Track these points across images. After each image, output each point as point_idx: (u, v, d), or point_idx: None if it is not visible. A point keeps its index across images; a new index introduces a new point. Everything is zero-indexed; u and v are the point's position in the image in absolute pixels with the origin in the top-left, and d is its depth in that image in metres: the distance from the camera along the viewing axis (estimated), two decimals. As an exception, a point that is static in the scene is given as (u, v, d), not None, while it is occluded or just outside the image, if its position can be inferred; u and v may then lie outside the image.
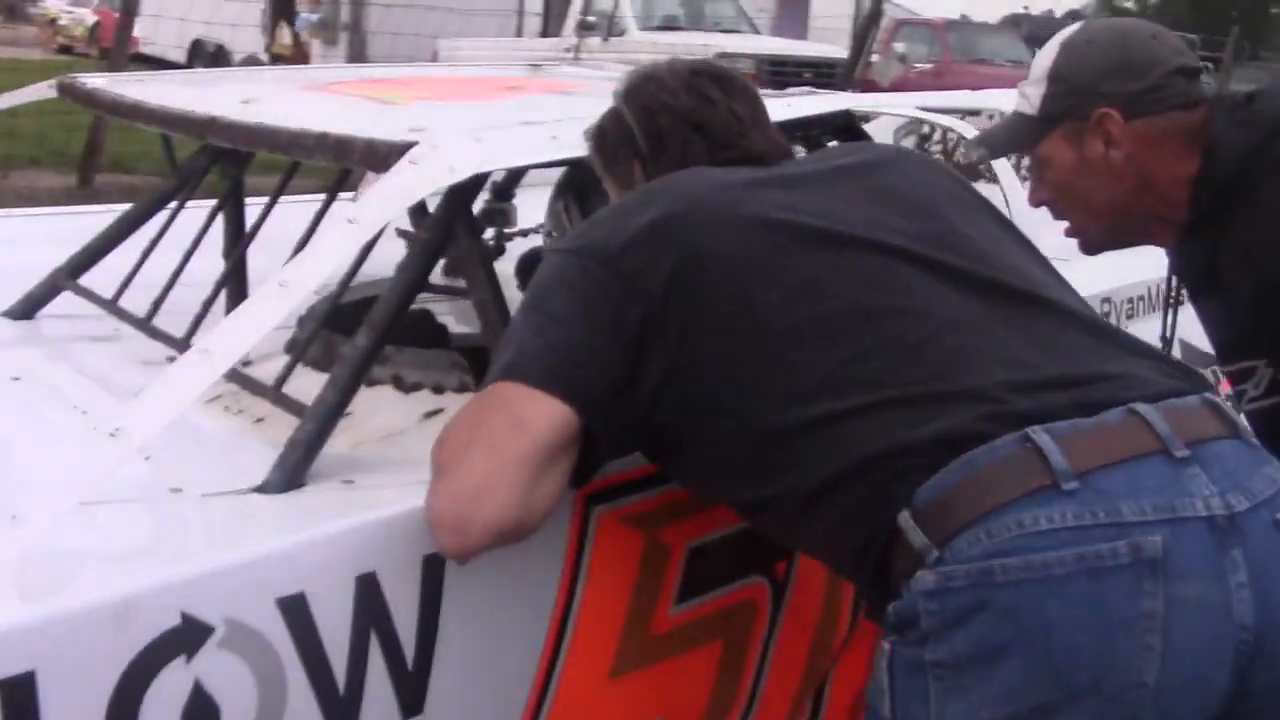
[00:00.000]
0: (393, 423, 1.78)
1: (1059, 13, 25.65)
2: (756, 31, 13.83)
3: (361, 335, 1.64)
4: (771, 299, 1.30)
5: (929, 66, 13.73)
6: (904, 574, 1.18)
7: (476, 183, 1.74)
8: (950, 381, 1.23)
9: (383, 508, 1.44)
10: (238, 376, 1.87)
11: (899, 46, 13.42)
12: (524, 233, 2.77)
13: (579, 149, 1.74)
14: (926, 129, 3.64)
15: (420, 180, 1.59)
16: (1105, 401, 1.20)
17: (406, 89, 2.21)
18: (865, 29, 10.33)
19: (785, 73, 11.55)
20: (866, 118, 2.33)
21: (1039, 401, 1.20)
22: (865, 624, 1.85)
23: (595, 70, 3.00)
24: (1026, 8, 24.82)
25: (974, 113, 2.28)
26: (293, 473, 1.54)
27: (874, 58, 11.51)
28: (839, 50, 12.29)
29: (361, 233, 1.52)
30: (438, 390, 1.84)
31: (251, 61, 12.52)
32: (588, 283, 1.34)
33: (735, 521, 1.62)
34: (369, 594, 1.32)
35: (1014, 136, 1.75)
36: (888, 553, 1.20)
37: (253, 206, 2.23)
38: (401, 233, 2.55)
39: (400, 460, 1.67)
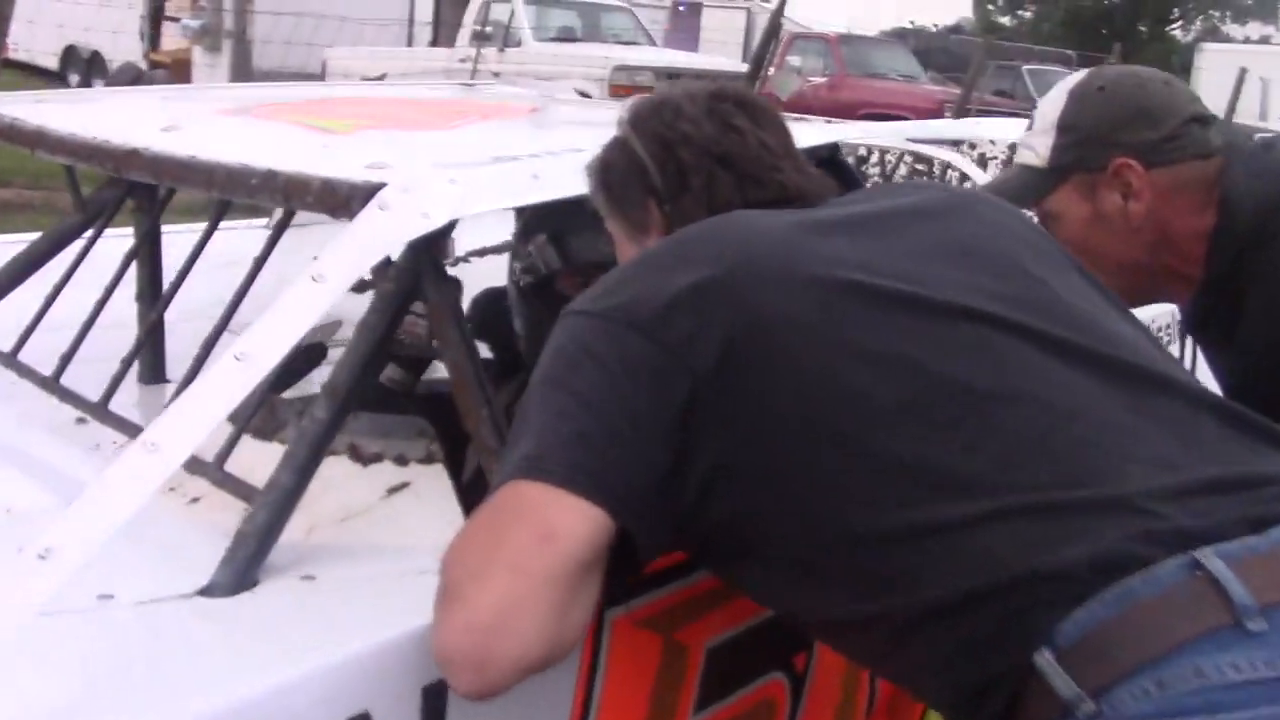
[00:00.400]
0: (351, 501, 1.56)
1: (934, 28, 26.14)
2: (653, 43, 13.72)
3: (320, 405, 1.41)
4: (854, 378, 1.10)
5: (824, 80, 13.77)
6: None
7: (447, 229, 1.52)
8: (1086, 486, 1.04)
9: (356, 617, 1.23)
10: (165, 447, 1.63)
11: (794, 60, 13.41)
12: (455, 261, 2.56)
13: (564, 188, 1.54)
14: (864, 151, 3.51)
15: (392, 229, 1.37)
16: (1274, 514, 1.01)
17: (343, 114, 1.98)
18: (766, 42, 10.25)
19: (685, 86, 11.43)
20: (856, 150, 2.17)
21: (1195, 513, 1.02)
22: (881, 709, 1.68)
23: (529, 90, 2.80)
24: (913, 22, 25.23)
25: (958, 142, 2.14)
26: (243, 571, 1.32)
27: (769, 71, 11.48)
28: (735, 63, 12.23)
29: (328, 293, 1.30)
30: (401, 462, 1.61)
31: (128, 69, 11.98)
32: (620, 354, 1.12)
33: (754, 614, 1.44)
34: (362, 740, 1.10)
35: (1021, 190, 1.61)
36: (1016, 697, 1.01)
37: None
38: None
39: (365, 548, 1.46)
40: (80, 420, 1.82)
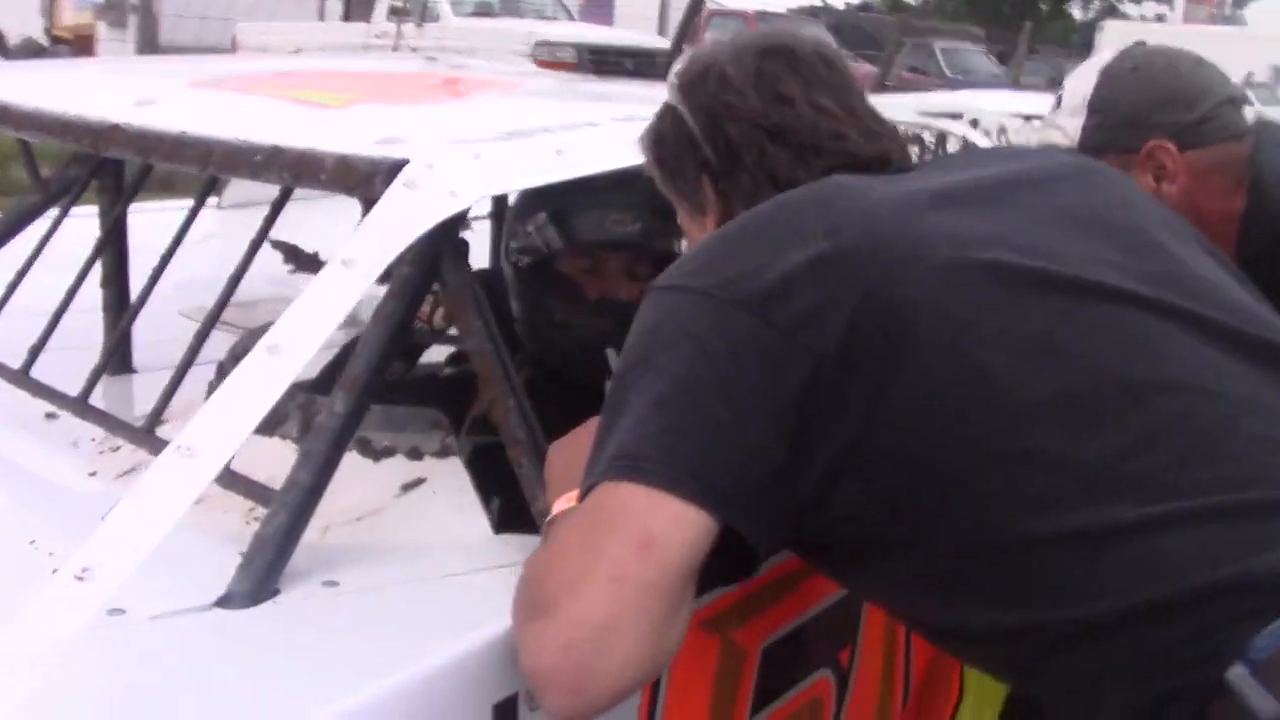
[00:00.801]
0: (365, 499, 1.46)
1: (845, 5, 26.27)
2: (571, 17, 13.57)
3: (338, 399, 1.31)
4: (997, 368, 0.99)
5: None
6: None
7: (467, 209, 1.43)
8: (1265, 484, 0.96)
9: (399, 629, 1.14)
10: (156, 443, 1.51)
11: (712, 36, 13.37)
12: None
13: (589, 165, 1.46)
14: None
15: (421, 209, 1.27)
16: None
17: (328, 87, 1.86)
18: (689, 18, 10.17)
19: (607, 62, 11.33)
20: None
21: None
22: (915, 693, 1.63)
23: (502, 64, 2.70)
24: (825, 1, 25.34)
25: (955, 116, 2.09)
26: (263, 579, 1.21)
27: (689, 47, 11.43)
28: (655, 39, 12.14)
29: (360, 278, 1.20)
30: (414, 456, 1.52)
31: (28, 45, 11.54)
32: (726, 335, 1.00)
33: (804, 611, 1.37)
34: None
35: None
36: (1203, 714, 0.93)
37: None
38: (277, 245, 2.20)
39: (384, 550, 1.36)
40: (50, 416, 1.70)
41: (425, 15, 11.63)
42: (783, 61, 1.25)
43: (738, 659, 1.28)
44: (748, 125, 1.22)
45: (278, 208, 1.60)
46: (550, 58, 11.09)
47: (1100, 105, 1.55)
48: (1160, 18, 30.35)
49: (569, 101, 1.88)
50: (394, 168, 1.29)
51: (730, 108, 1.23)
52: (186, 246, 1.72)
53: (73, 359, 1.77)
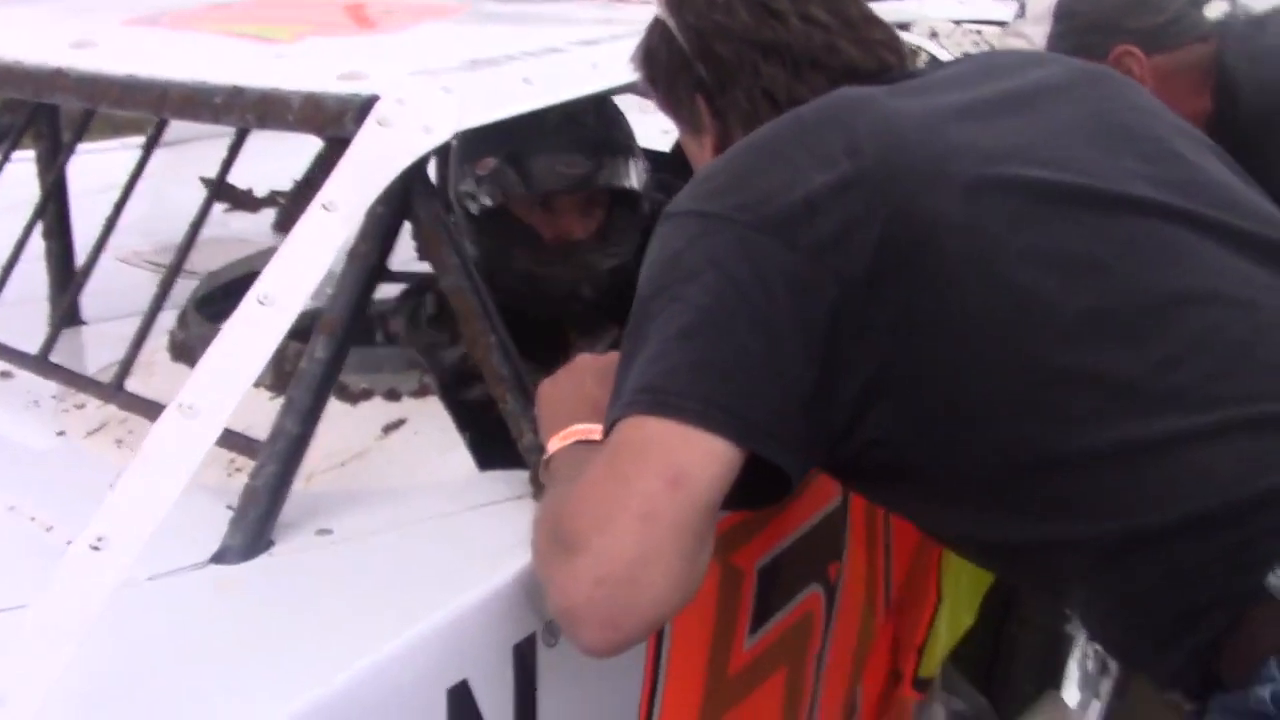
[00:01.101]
0: (346, 443, 1.44)
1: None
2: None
3: (319, 344, 1.29)
4: (1029, 283, 0.99)
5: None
6: (1271, 649, 0.91)
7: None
8: None
9: (404, 574, 1.14)
10: (126, 398, 1.48)
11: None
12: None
13: (558, 93, 1.43)
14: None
15: (396, 148, 1.25)
16: None
17: (272, 19, 1.80)
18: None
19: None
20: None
21: None
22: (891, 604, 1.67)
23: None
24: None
25: (903, 27, 2.07)
26: (257, 531, 1.21)
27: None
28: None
29: (342, 221, 1.18)
30: (392, 397, 1.51)
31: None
32: (751, 261, 0.98)
33: (795, 528, 1.40)
34: (464, 712, 1.01)
35: None
36: (1240, 622, 0.93)
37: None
38: (208, 182, 2.15)
39: (372, 493, 1.35)
40: (3, 375, 1.65)
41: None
42: None
43: (736, 580, 1.30)
44: (739, 44, 1.19)
45: (234, 149, 1.56)
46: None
47: (1065, 12, 1.55)
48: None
49: (525, 26, 1.83)
50: (365, 105, 1.26)
51: (720, 26, 1.20)
52: (110, 189, 1.67)
53: (13, 314, 1.72)
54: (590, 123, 1.73)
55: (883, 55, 1.20)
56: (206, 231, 1.88)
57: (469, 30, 1.79)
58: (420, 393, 1.51)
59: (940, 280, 0.99)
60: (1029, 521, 1.01)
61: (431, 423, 1.47)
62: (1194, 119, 1.51)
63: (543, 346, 1.88)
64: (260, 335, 1.06)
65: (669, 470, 0.93)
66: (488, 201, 1.76)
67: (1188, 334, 0.99)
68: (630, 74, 1.50)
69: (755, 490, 1.01)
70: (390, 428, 1.47)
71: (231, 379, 1.03)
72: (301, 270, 1.12)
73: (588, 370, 1.21)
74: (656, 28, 1.26)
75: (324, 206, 1.16)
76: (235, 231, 2.45)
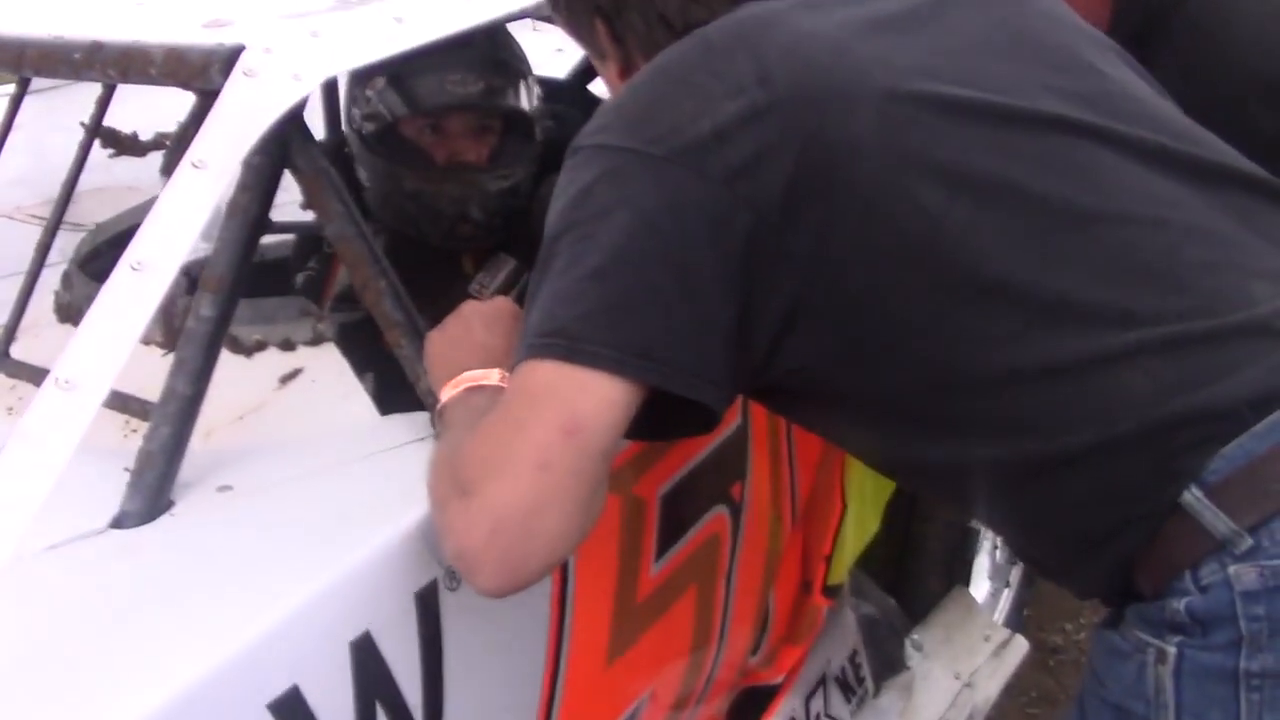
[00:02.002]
0: (244, 397, 1.44)
1: None
2: None
3: (204, 301, 1.27)
4: (944, 204, 0.97)
5: None
6: (1186, 563, 0.95)
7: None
8: (1219, 313, 0.97)
9: (303, 526, 1.14)
10: (12, 365, 1.46)
11: None
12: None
13: (430, 32, 1.41)
14: None
15: (265, 97, 1.22)
16: None
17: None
18: None
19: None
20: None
21: None
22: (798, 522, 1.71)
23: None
24: None
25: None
26: (155, 494, 1.20)
27: None
28: None
29: (214, 178, 1.15)
30: (287, 347, 1.50)
31: None
32: (662, 194, 0.96)
33: (697, 452, 1.42)
34: (368, 662, 1.03)
35: None
36: (1154, 537, 0.96)
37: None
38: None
39: (272, 446, 1.35)
40: None
41: None
42: None
43: (638, 510, 1.32)
44: None
45: (107, 95, 1.52)
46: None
47: None
48: None
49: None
50: (231, 56, 1.23)
51: None
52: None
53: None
54: (480, 42, 1.71)
55: None
56: (92, 180, 1.83)
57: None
58: (315, 341, 1.50)
59: (855, 206, 0.98)
60: (951, 442, 1.02)
61: (329, 371, 1.47)
62: (1101, 3, 1.51)
63: (440, 279, 1.89)
64: (136, 302, 1.05)
65: (566, 420, 0.93)
66: (376, 122, 1.74)
67: (1101, 254, 0.99)
68: (511, 5, 1.48)
69: (679, 423, 1.02)
70: (287, 378, 1.47)
71: (109, 349, 1.02)
72: (175, 232, 1.10)
73: (475, 316, 1.20)
74: None
75: (194, 164, 1.14)
76: (122, 179, 2.39)
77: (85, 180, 1.91)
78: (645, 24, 1.14)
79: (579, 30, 1.22)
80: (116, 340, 1.03)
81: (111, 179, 2.34)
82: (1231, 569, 0.94)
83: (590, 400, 0.94)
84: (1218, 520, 0.94)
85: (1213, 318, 0.97)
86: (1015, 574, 2.51)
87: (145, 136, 2.48)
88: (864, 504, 1.77)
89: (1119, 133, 1.04)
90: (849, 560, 1.80)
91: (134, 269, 1.07)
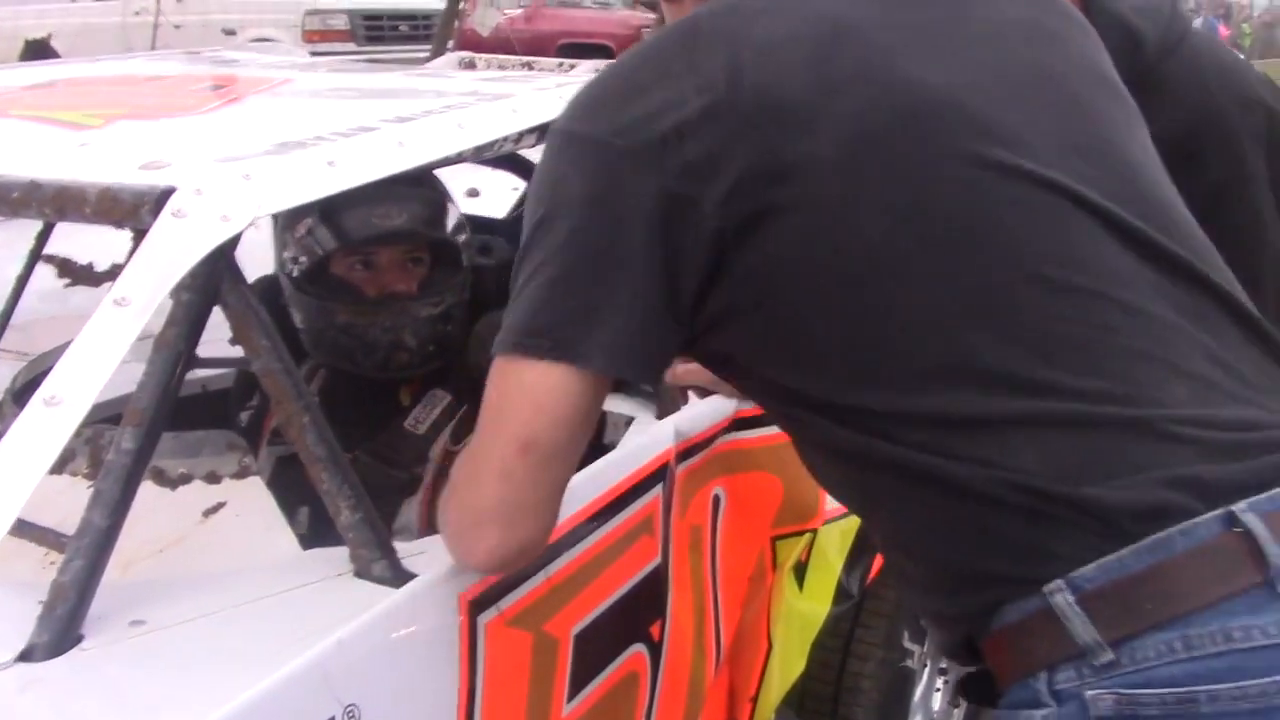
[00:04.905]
0: (165, 530, 1.45)
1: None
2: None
3: (126, 434, 1.29)
4: (885, 236, 0.97)
5: (519, 12, 13.60)
6: (1043, 662, 0.93)
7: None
8: (1131, 405, 0.95)
9: (214, 661, 1.14)
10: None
11: (487, -7, 13.18)
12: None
13: (364, 174, 1.45)
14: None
15: (192, 239, 1.26)
16: None
17: (84, 104, 1.80)
18: (461, -25, 10.03)
19: (382, 28, 11.07)
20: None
21: (1239, 459, 0.94)
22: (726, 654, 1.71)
23: (269, 55, 2.64)
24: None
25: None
26: (65, 627, 1.20)
27: (468, 5, 11.25)
28: (428, 1, 11.85)
29: (135, 316, 1.18)
30: (212, 480, 1.51)
31: None
32: (621, 190, 1.00)
33: (614, 590, 1.43)
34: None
35: None
36: (1020, 621, 0.95)
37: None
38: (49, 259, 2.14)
39: (190, 580, 1.35)
40: None
41: (186, -12, 11.11)
42: None
43: (550, 649, 1.32)
44: None
45: (43, 237, 1.55)
46: (322, 27, 10.77)
47: None
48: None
49: (340, 101, 1.86)
50: (161, 197, 1.27)
51: None
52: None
53: None
54: (406, 177, 1.77)
55: None
56: (45, 309, 1.86)
57: (288, 106, 1.81)
58: (240, 474, 1.51)
59: (798, 221, 0.99)
60: (856, 436, 1.02)
61: (252, 505, 1.48)
62: None
63: (377, 413, 1.91)
64: (46, 438, 1.06)
65: (521, 435, 1.04)
66: (306, 260, 1.79)
67: (1029, 317, 0.98)
68: (441, 151, 1.53)
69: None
70: (210, 511, 1.48)
71: (15, 483, 1.03)
72: (91, 370, 1.12)
73: None
74: None
75: (115, 302, 1.17)
76: (75, 308, 2.42)
77: (39, 309, 1.95)
78: None
79: None
80: (24, 475, 1.04)
81: (66, 308, 2.37)
82: (1089, 694, 0.92)
83: (544, 402, 1.03)
84: (1084, 629, 0.93)
85: (1125, 407, 0.96)
86: (957, 716, 2.49)
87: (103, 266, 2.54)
88: (790, 643, 1.78)
89: (1093, 201, 1.02)
90: (775, 701, 1.79)
91: (47, 404, 1.09)
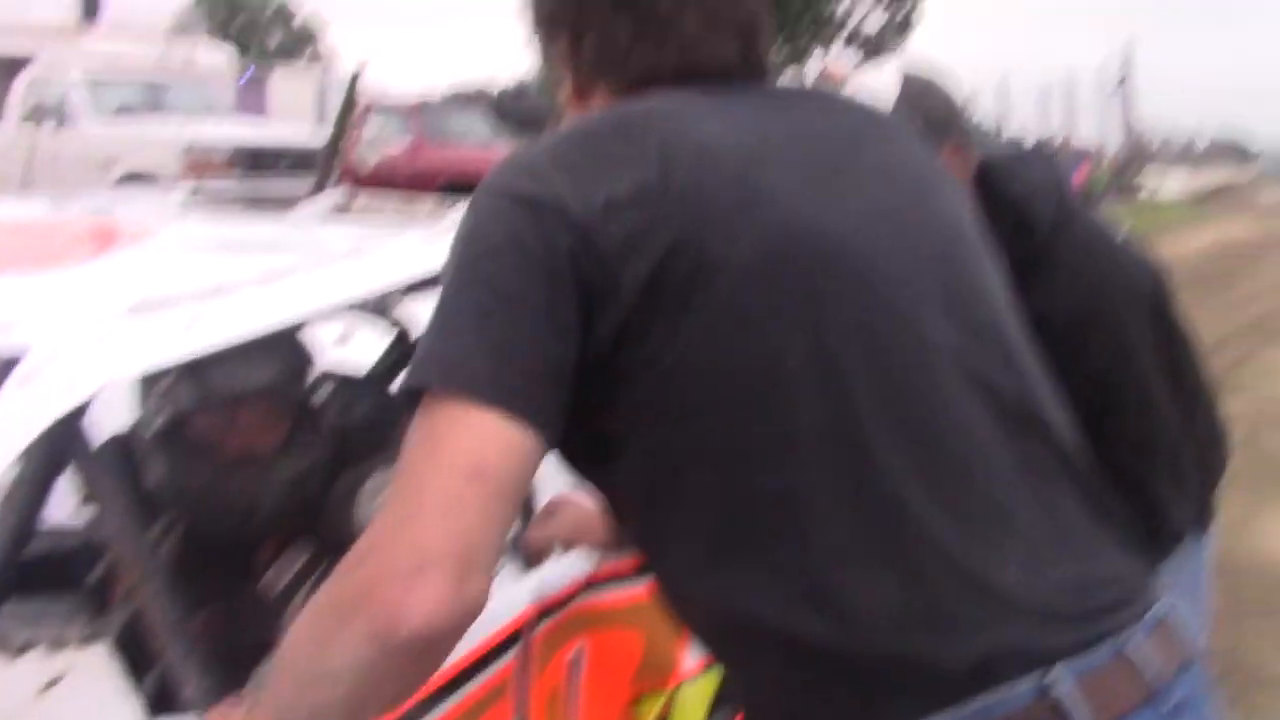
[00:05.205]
0: (1, 705, 1.39)
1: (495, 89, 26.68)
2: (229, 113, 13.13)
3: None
4: (786, 349, 0.99)
5: (403, 149, 13.66)
6: None
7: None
8: (970, 560, 0.97)
9: None
10: None
11: (372, 130, 13.27)
12: None
13: (220, 337, 1.45)
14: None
15: (35, 408, 1.24)
16: (1109, 628, 0.99)
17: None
18: (344, 115, 10.09)
19: (263, 164, 11.08)
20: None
21: (1058, 622, 0.98)
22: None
23: (146, 197, 2.63)
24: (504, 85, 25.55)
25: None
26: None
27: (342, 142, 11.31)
28: (311, 136, 11.93)
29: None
30: (57, 646, 1.46)
31: None
32: (548, 252, 0.98)
33: None
34: None
35: None
36: None
37: None
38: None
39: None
40: None
41: (62, 119, 11.04)
42: None
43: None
44: None
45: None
46: (203, 160, 10.75)
47: (913, 106, 1.69)
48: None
49: (208, 255, 1.86)
50: (8, 363, 1.26)
51: None
52: None
53: None
54: (264, 339, 1.76)
55: (744, 63, 1.16)
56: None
57: (155, 262, 1.80)
58: (86, 640, 1.47)
59: (701, 315, 1.00)
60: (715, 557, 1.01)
61: (96, 673, 1.44)
62: None
63: (236, 572, 1.87)
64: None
65: (468, 464, 0.94)
66: (163, 418, 1.76)
67: (890, 462, 0.99)
68: (301, 310, 1.54)
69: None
70: (51, 684, 1.43)
71: None
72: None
73: None
74: None
75: (-45, 476, 1.15)
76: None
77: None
78: (594, 56, 1.16)
79: (549, 45, 1.22)
80: None
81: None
82: None
83: (490, 423, 0.95)
84: None
85: (963, 561, 0.98)
86: None
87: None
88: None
89: (974, 370, 1.05)
90: None
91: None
